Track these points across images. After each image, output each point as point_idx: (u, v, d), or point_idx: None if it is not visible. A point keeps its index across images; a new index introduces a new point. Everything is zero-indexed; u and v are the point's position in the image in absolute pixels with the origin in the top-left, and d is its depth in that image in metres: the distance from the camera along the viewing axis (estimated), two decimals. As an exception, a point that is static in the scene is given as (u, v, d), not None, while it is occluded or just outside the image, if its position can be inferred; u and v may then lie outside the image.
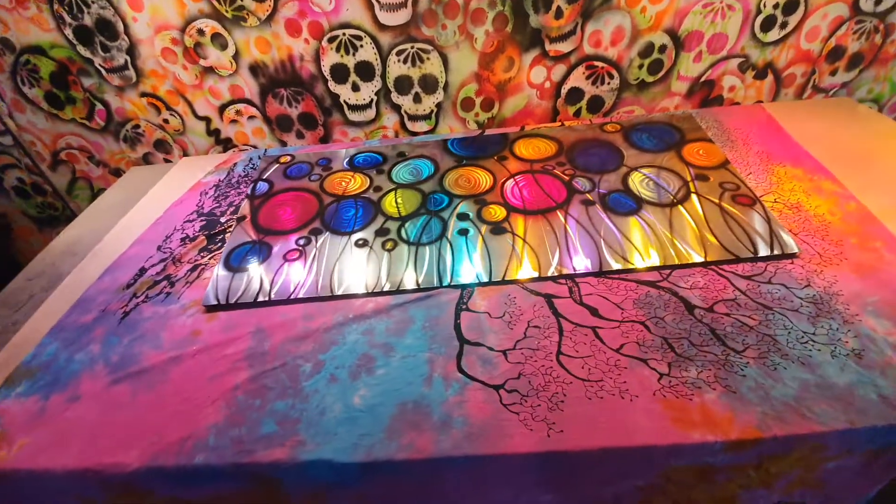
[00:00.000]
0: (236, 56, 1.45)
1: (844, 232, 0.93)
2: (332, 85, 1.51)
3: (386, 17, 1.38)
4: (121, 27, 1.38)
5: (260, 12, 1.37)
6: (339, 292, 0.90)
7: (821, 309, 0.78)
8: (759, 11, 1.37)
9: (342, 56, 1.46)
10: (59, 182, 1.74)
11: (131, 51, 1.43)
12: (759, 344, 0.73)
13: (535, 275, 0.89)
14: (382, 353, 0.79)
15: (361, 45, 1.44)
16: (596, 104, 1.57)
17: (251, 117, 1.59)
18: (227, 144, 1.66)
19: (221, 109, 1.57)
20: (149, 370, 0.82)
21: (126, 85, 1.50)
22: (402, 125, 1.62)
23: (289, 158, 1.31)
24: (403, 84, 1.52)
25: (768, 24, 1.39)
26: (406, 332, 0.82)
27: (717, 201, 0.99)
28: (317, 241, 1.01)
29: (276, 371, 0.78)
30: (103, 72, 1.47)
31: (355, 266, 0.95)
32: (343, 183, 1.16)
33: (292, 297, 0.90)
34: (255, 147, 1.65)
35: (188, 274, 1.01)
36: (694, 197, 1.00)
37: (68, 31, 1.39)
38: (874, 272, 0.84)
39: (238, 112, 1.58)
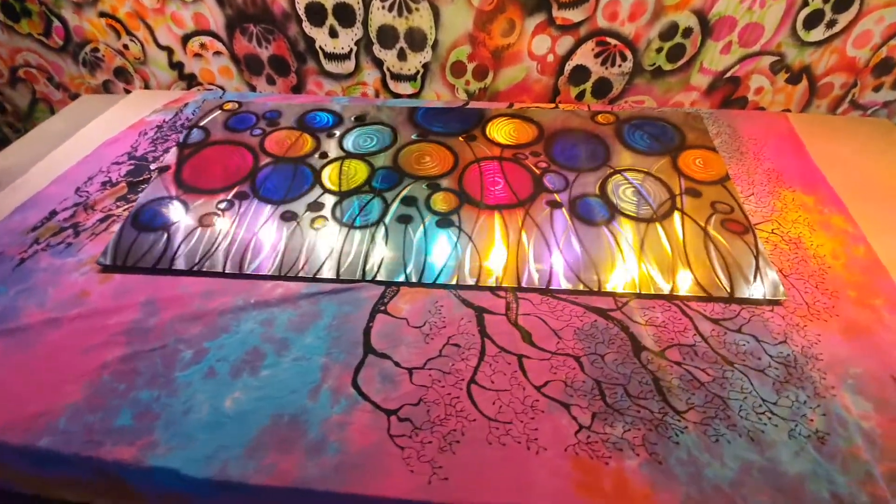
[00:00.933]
0: (201, -20, 1.28)
1: (844, 281, 0.79)
2: (307, 27, 1.34)
3: (371, -47, 1.19)
4: (71, -71, 1.21)
5: (227, -72, 1.19)
6: (248, 271, 0.79)
7: (791, 374, 0.65)
8: (805, 3, 1.16)
9: (320, -6, 1.28)
10: (20, 102, 1.62)
11: (86, -40, 1.27)
12: (707, 406, 0.62)
13: (473, 282, 0.77)
14: (275, 350, 0.69)
15: (342, -16, 1.25)
16: (602, 88, 1.39)
17: (217, 53, 1.43)
18: (191, 81, 1.51)
19: (184, 40, 1.41)
20: (25, 329, 0.73)
21: (84, 2, 1.34)
22: (384, 84, 1.46)
23: (234, 105, 1.16)
24: (387, 36, 1.34)
25: (814, 21, 1.18)
26: (308, 329, 0.71)
27: (703, 224, 0.84)
28: (240, 207, 0.89)
29: (153, 353, 0.69)
30: (57, -18, 1.31)
31: (275, 242, 0.84)
32: (287, 142, 1.02)
33: (195, 268, 0.80)
34: (221, 88, 1.50)
35: (96, 224, 0.90)
36: (677, 215, 0.86)
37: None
38: (866, 336, 0.71)
39: (203, 45, 1.42)
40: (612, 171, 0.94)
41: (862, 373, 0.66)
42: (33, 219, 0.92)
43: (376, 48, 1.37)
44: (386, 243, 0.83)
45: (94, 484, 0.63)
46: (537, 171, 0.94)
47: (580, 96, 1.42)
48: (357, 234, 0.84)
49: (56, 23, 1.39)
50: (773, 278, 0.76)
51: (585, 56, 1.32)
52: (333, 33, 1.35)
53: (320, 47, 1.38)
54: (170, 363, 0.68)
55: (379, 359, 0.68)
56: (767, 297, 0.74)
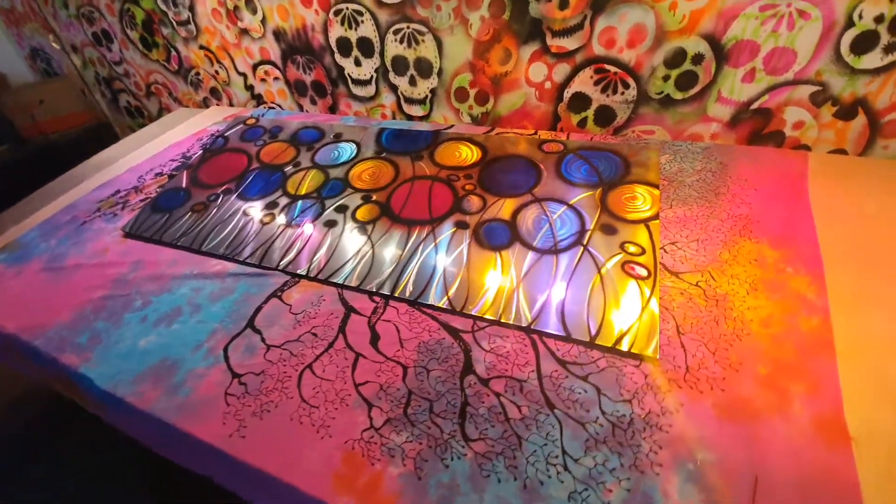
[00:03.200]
0: (263, 21, 1.60)
1: (759, 354, 0.66)
2: (338, 57, 1.58)
3: (384, -6, 1.37)
4: (183, -14, 1.65)
5: (280, -19, 1.48)
6: (204, 249, 1.00)
7: (615, 436, 0.59)
8: (850, 24, 0.97)
9: (346, 30, 1.50)
10: (152, 109, 2.21)
11: (192, 8, 1.70)
12: (498, 441, 0.60)
13: (357, 284, 0.85)
14: (190, 311, 0.87)
15: (362, 21, 1.45)
16: (605, 116, 1.33)
17: (276, 78, 1.76)
18: (259, 100, 1.88)
19: (255, 68, 1.77)
20: (63, 269, 1.04)
21: (189, 37, 1.80)
22: (399, 107, 1.61)
23: (253, 121, 1.43)
24: (400, 64, 1.50)
25: (865, 44, 0.98)
26: (220, 300, 0.88)
27: (601, 262, 0.78)
28: (221, 200, 1.12)
29: (120, 297, 0.93)
30: (174, 24, 1.78)
31: (232, 229, 1.03)
32: (276, 153, 1.24)
33: (175, 241, 1.04)
34: (279, 106, 1.84)
35: (137, 203, 1.22)
36: (577, 249, 0.81)
37: (150, -13, 1.71)
38: (749, 423, 0.59)
39: (266, 72, 1.76)
40: (532, 199, 0.92)
41: (714, 461, 0.56)
42: (104, 194, 1.28)
43: (391, 75, 1.53)
44: (306, 241, 0.96)
45: (62, 380, 0.88)
46: (461, 193, 0.97)
47: (582, 124, 1.38)
48: (289, 232, 0.99)
49: (174, 52, 1.88)
50: (651, 331, 0.68)
51: (584, 83, 1.29)
52: (358, 62, 1.56)
53: (348, 74, 1.60)
54: (126, 307, 0.91)
55: (253, 333, 0.81)
56: (633, 350, 0.66)
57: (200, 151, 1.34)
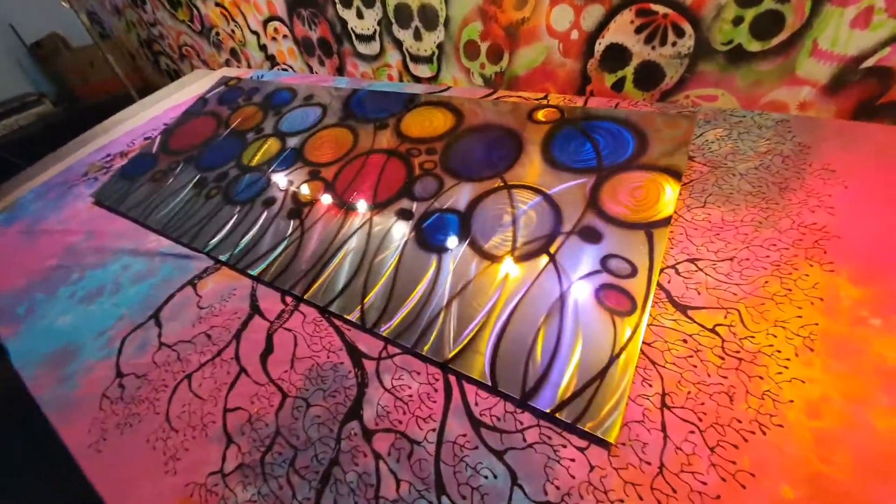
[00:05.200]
0: (266, -31, 1.46)
1: (792, 463, 0.41)
2: (340, 9, 1.39)
3: (380, -75, 1.14)
4: (192, -63, 1.55)
5: (276, -80, 1.32)
6: (149, 222, 0.92)
7: (517, 554, 0.39)
8: None
9: (345, -27, 1.31)
10: (186, 71, 2.22)
11: (202, -42, 1.61)
12: (354, 527, 0.43)
13: (272, 279, 0.71)
14: (111, 291, 0.80)
15: (360, -39, 1.25)
16: (650, 75, 1.01)
17: (285, 36, 1.63)
18: (273, 61, 1.77)
19: (265, 25, 1.65)
20: (36, 233, 1.04)
21: (206, -7, 1.72)
22: (405, 66, 1.40)
23: (234, 82, 1.31)
24: (403, 14, 1.28)
25: None
26: (141, 283, 0.80)
27: (570, 281, 0.54)
28: (181, 169, 1.03)
29: (63, 269, 0.89)
30: (192, -21, 1.71)
31: (179, 202, 0.94)
32: (245, 117, 1.11)
33: (126, 212, 0.97)
34: (290, 67, 1.72)
35: (118, 168, 1.19)
36: (543, 260, 0.58)
37: (165, -60, 1.64)
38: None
39: (276, 30, 1.64)
40: (502, 185, 0.69)
41: None
42: (96, 158, 1.27)
43: (395, 28, 1.32)
44: (240, 222, 0.83)
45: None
46: (417, 172, 0.77)
47: (618, 86, 1.07)
48: (226, 209, 0.87)
49: (195, 11, 1.83)
50: (617, 399, 0.45)
51: (622, 31, 0.98)
52: (360, 14, 1.36)
53: (352, 29, 1.42)
54: (64, 279, 0.87)
55: (154, 326, 0.71)
56: (580, 426, 0.44)
57: (181, 115, 1.26)
